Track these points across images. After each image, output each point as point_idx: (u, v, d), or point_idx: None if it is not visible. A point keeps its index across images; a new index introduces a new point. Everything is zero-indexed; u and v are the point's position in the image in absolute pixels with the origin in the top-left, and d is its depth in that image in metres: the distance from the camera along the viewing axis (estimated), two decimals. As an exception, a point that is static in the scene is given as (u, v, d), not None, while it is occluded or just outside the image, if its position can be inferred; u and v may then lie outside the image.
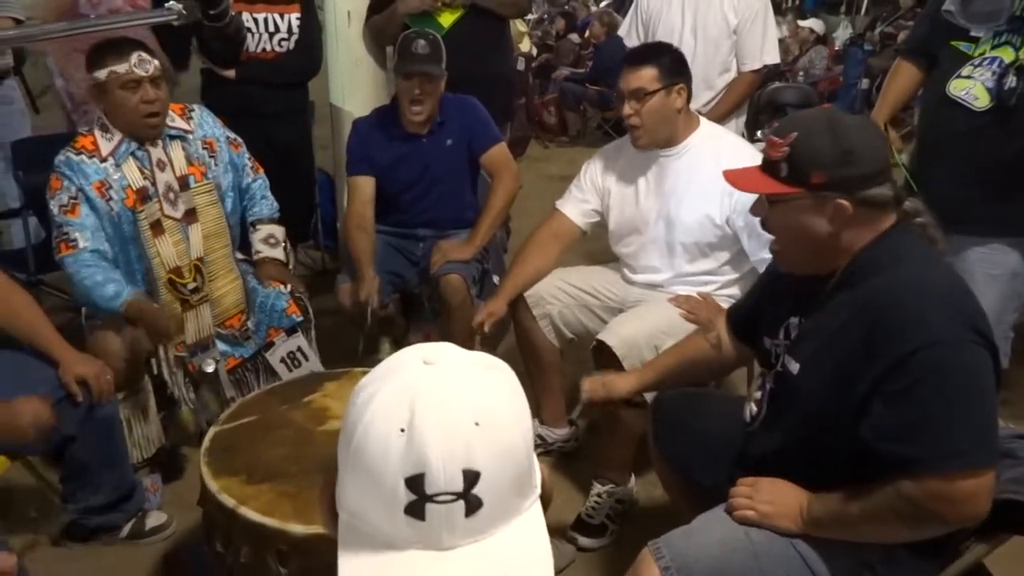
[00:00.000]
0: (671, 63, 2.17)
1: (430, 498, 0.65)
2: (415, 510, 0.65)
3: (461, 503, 0.65)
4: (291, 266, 2.59)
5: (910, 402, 1.20)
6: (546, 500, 0.75)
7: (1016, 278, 2.25)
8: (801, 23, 8.43)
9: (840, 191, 1.29)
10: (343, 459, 0.70)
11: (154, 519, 2.19)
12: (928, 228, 1.36)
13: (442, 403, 0.66)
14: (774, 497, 1.37)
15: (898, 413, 1.21)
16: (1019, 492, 1.28)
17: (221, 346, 2.35)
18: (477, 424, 0.66)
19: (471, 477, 0.65)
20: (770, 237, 1.47)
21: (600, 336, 2.12)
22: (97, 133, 2.20)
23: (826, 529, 1.32)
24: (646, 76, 2.14)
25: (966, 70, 2.18)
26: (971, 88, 2.16)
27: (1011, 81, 2.08)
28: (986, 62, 2.15)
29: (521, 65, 6.82)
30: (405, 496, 0.65)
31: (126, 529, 2.15)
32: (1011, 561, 1.47)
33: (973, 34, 2.19)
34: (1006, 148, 2.14)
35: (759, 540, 1.35)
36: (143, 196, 2.20)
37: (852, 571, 1.34)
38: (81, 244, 2.12)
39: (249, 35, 2.95)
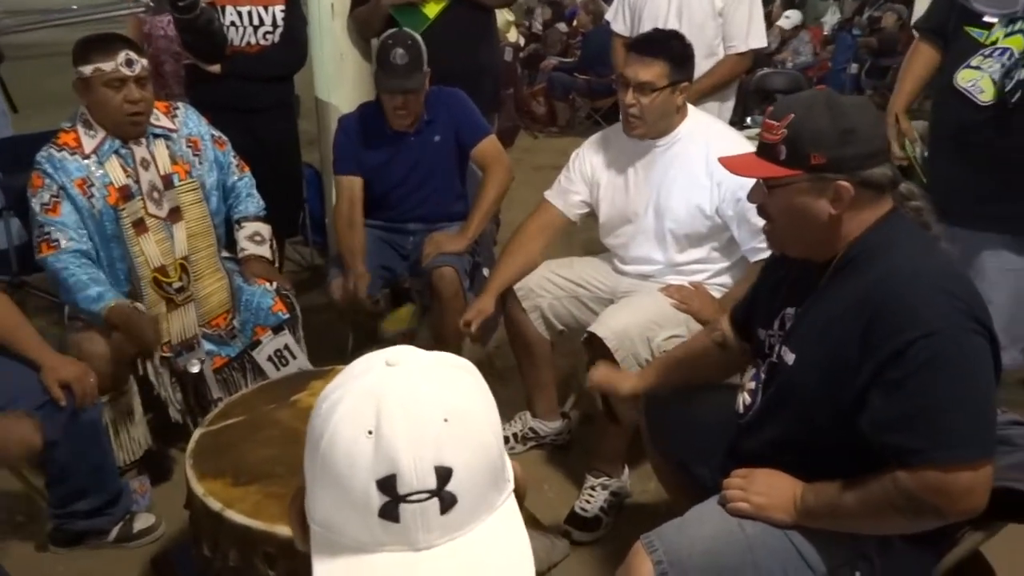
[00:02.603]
0: (681, 59, 2.14)
1: (403, 498, 0.64)
2: (389, 512, 0.65)
3: (435, 501, 0.65)
4: (277, 264, 2.56)
5: (908, 392, 1.18)
6: (520, 494, 0.74)
7: None
8: (779, 23, 8.43)
9: (840, 171, 1.26)
10: (310, 471, 0.69)
11: (142, 521, 2.16)
12: (923, 212, 1.34)
13: (408, 402, 0.66)
14: (768, 489, 1.35)
15: (896, 403, 1.19)
16: (1016, 480, 1.27)
17: (207, 346, 2.32)
18: (446, 420, 0.66)
19: (444, 473, 0.65)
20: (761, 226, 1.44)
21: (591, 328, 2.10)
22: (80, 129, 2.17)
23: (820, 520, 1.31)
24: (656, 71, 2.10)
25: (976, 60, 2.11)
26: (978, 80, 2.09)
27: (1020, 75, 2.00)
28: (996, 52, 2.08)
29: (509, 55, 6.79)
30: (378, 499, 0.64)
31: (114, 533, 2.13)
32: (1007, 548, 1.46)
33: (987, 20, 2.11)
34: (1009, 145, 2.08)
35: (753, 532, 1.34)
36: (126, 194, 2.17)
37: (848, 562, 1.32)
38: (63, 244, 2.09)
39: (233, 29, 2.92)
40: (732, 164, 1.41)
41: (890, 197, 1.32)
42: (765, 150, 1.33)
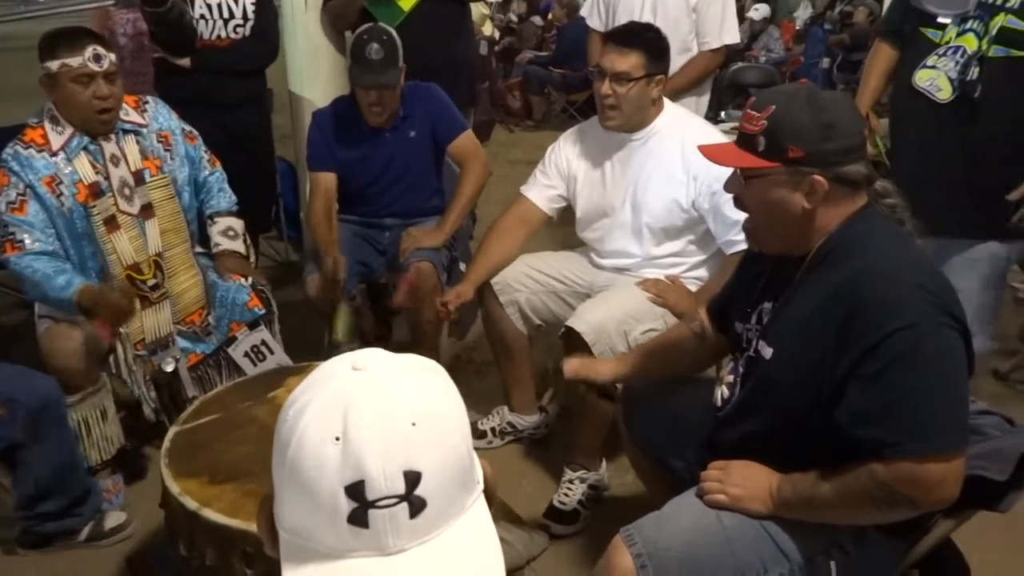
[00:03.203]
0: (657, 51, 2.15)
1: (372, 504, 0.64)
2: (358, 518, 0.64)
3: (404, 505, 0.64)
4: (252, 258, 2.53)
5: (883, 385, 1.19)
6: (490, 494, 0.74)
7: (998, 261, 2.24)
8: (749, 14, 8.48)
9: (817, 166, 1.27)
10: (278, 477, 0.69)
11: (113, 519, 2.13)
12: (897, 209, 1.36)
13: (376, 407, 0.65)
14: (744, 480, 1.37)
15: (871, 396, 1.20)
16: (986, 468, 1.29)
17: (182, 343, 2.30)
18: (414, 424, 0.65)
19: (413, 478, 0.64)
20: (736, 219, 1.45)
21: (569, 322, 2.10)
22: (47, 126, 2.13)
23: (796, 511, 1.32)
24: (632, 61, 2.11)
25: (931, 59, 2.15)
26: (935, 79, 2.14)
27: (973, 72, 2.05)
28: (950, 51, 2.12)
29: (484, 49, 6.76)
30: (346, 505, 0.64)
31: (85, 532, 2.10)
32: (977, 535, 1.49)
33: (940, 21, 2.15)
34: (968, 141, 2.12)
35: (730, 524, 1.35)
36: (96, 191, 2.14)
37: (823, 551, 1.34)
38: (28, 244, 2.05)
39: (203, 22, 2.88)
40: (711, 153, 1.41)
41: (864, 194, 1.33)
42: (744, 140, 1.33)
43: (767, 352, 1.37)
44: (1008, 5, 2.03)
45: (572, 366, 1.81)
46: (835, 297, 1.26)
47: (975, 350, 2.42)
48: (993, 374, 2.90)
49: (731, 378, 1.49)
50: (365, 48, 2.47)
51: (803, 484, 1.31)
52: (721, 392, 1.51)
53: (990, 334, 2.33)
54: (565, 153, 2.37)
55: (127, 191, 2.18)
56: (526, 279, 2.34)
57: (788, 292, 1.37)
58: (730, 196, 1.43)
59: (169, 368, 2.24)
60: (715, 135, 2.21)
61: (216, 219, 2.44)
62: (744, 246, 1.58)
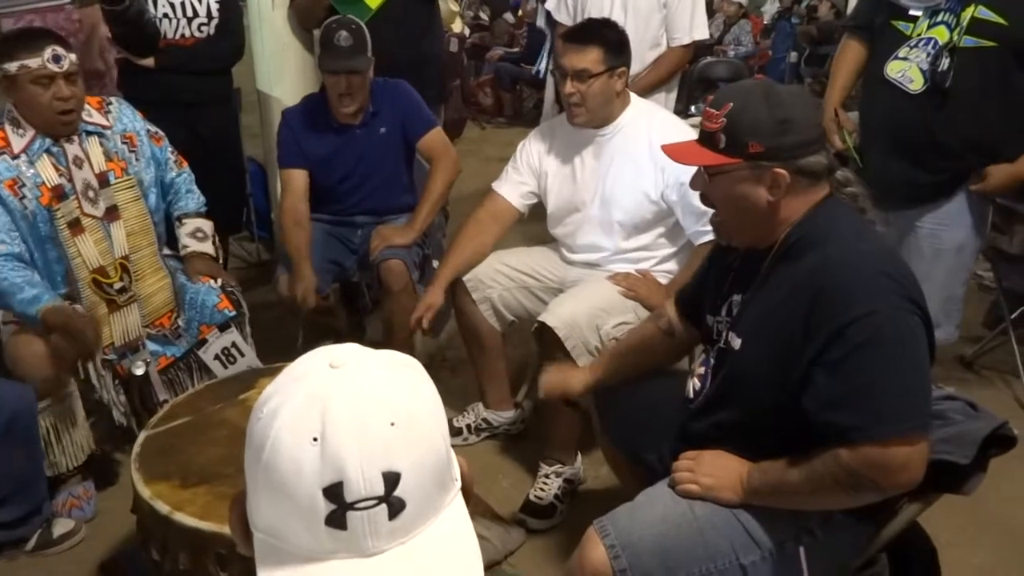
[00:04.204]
0: (616, 44, 2.16)
1: (351, 506, 0.63)
2: (336, 520, 0.63)
3: (384, 507, 0.63)
4: (221, 260, 2.51)
5: (848, 371, 1.22)
6: (467, 491, 0.73)
7: (963, 252, 2.30)
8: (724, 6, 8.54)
9: (777, 160, 1.29)
10: (252, 477, 0.67)
11: (61, 526, 2.10)
12: (858, 198, 1.38)
13: (354, 407, 0.64)
14: (715, 470, 1.38)
15: (836, 382, 1.23)
16: (950, 452, 1.32)
17: (151, 346, 2.27)
18: (393, 424, 0.64)
19: (392, 479, 0.63)
20: (704, 210, 1.47)
21: (541, 317, 2.11)
22: (8, 128, 2.09)
23: (766, 498, 1.34)
24: (591, 57, 2.12)
25: (903, 51, 2.20)
26: (907, 70, 2.18)
27: (944, 63, 2.09)
28: (922, 43, 2.16)
29: (454, 46, 6.74)
30: (324, 507, 0.63)
31: (33, 541, 2.06)
32: (942, 518, 1.52)
33: (912, 13, 2.19)
34: (939, 130, 2.16)
35: (702, 513, 1.37)
36: (59, 194, 2.10)
37: (793, 537, 1.36)
38: None
39: (166, 21, 2.84)
40: (674, 152, 1.43)
41: (826, 184, 1.36)
42: (706, 138, 1.35)
43: (736, 343, 1.39)
44: None
45: (547, 385, 1.83)
46: (800, 286, 1.28)
47: (942, 339, 2.50)
48: (959, 360, 2.96)
49: (702, 370, 1.51)
50: (334, 35, 2.47)
51: (772, 472, 1.33)
52: (693, 384, 1.53)
53: (956, 322, 2.38)
54: (535, 149, 2.38)
55: (91, 193, 2.15)
56: (498, 276, 2.35)
57: (755, 283, 1.39)
58: (698, 188, 1.44)
59: (139, 372, 2.21)
60: (681, 127, 2.23)
61: (184, 221, 2.41)
62: (712, 236, 1.60)
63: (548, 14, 3.23)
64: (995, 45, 2.07)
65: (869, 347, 1.20)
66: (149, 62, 2.85)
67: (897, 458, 1.21)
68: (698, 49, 3.71)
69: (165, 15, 2.85)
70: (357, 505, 0.63)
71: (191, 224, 2.41)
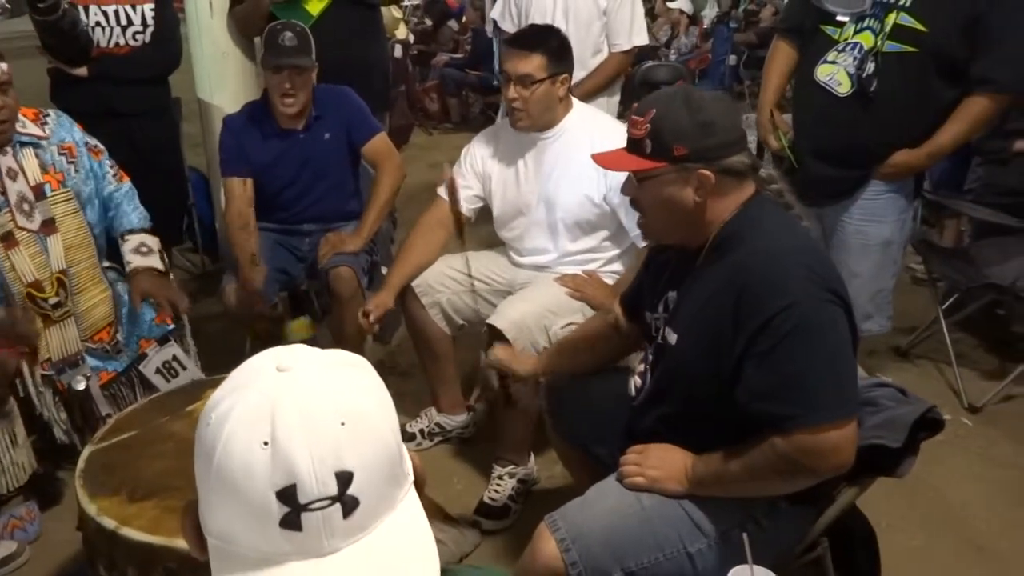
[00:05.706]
0: (559, 51, 2.19)
1: (304, 507, 0.63)
2: (290, 522, 0.63)
3: (337, 506, 0.64)
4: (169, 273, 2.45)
5: (775, 362, 1.26)
6: (419, 484, 0.74)
7: (889, 247, 2.38)
8: (670, 4, 8.66)
9: (702, 161, 1.34)
10: (203, 483, 0.67)
11: (3, 549, 2.04)
12: (783, 194, 1.43)
13: (303, 409, 0.64)
14: (661, 463, 1.42)
15: (765, 373, 1.27)
16: (882, 437, 1.38)
17: (92, 361, 2.22)
18: (343, 424, 0.65)
19: (344, 478, 0.64)
20: (646, 213, 1.50)
21: (490, 320, 2.13)
22: (-62, 139, 2.03)
23: (710, 488, 1.38)
24: (534, 63, 2.15)
25: (831, 55, 2.27)
26: (835, 74, 2.25)
27: (870, 68, 2.17)
28: (849, 47, 2.23)
29: (399, 52, 6.73)
30: (278, 510, 0.63)
31: None
32: (883, 503, 1.58)
33: (839, 19, 2.27)
34: (864, 132, 2.24)
35: (650, 504, 1.40)
36: (-9, 207, 2.05)
37: (738, 525, 1.39)
38: None
39: (99, 29, 2.78)
40: (604, 160, 1.47)
41: (752, 182, 1.41)
42: (633, 145, 1.40)
43: (672, 338, 1.43)
44: (900, 3, 2.16)
45: (498, 353, 1.85)
46: (728, 281, 1.33)
47: (875, 330, 2.59)
48: (895, 351, 3.06)
49: (642, 367, 1.55)
50: (279, 36, 2.48)
51: (713, 462, 1.37)
52: (634, 382, 1.57)
53: (887, 314, 2.47)
54: (479, 153, 2.40)
55: (26, 206, 2.10)
56: (447, 280, 2.36)
57: (689, 280, 1.44)
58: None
59: (80, 387, 2.16)
60: (622, 132, 2.26)
61: (127, 237, 2.34)
62: (656, 238, 1.63)
63: (495, 22, 3.26)
64: (916, 51, 2.14)
65: (793, 337, 1.25)
66: (82, 71, 2.78)
67: (828, 442, 1.26)
68: (640, 53, 3.78)
69: (97, 23, 2.79)
70: (311, 506, 0.63)
71: (134, 240, 2.34)
